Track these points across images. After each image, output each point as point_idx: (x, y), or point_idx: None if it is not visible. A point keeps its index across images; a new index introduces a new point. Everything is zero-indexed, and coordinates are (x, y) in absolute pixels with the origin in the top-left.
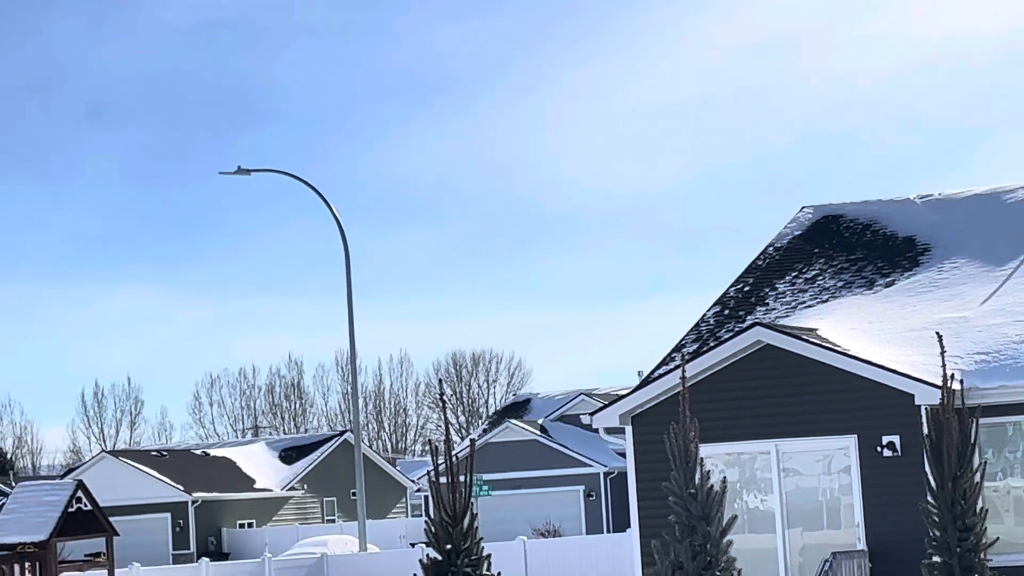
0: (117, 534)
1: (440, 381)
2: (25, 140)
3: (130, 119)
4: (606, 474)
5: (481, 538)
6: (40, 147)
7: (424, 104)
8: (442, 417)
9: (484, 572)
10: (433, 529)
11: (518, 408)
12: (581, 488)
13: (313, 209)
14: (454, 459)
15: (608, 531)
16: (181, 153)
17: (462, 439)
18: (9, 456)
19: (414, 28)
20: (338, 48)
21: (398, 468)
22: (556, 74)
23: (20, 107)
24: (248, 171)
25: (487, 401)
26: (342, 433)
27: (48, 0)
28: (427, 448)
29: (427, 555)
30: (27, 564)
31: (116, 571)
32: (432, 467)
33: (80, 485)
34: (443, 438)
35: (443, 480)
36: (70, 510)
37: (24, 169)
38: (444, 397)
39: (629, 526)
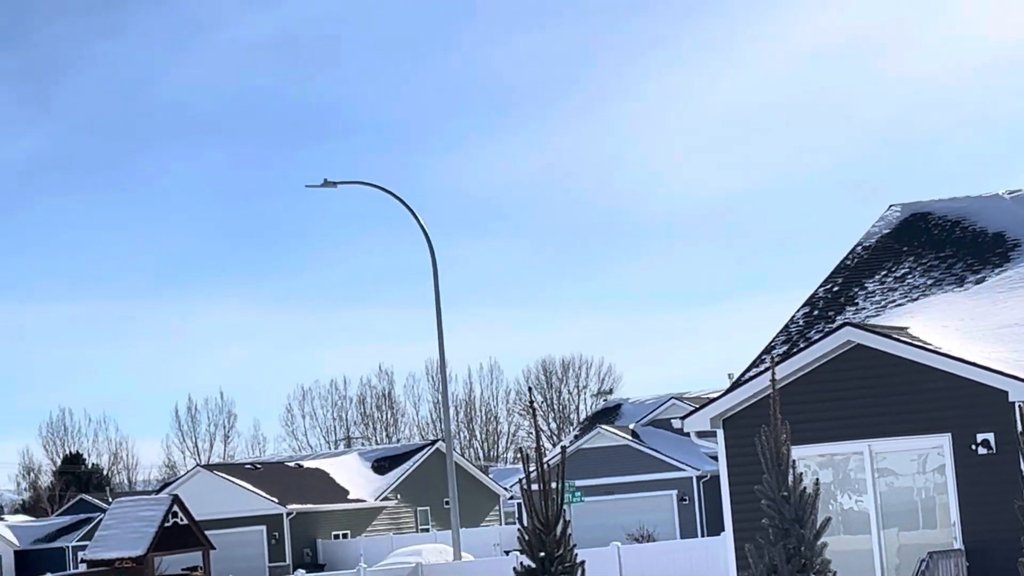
0: (213, 547)
1: (530, 388)
2: (114, 160)
3: (215, 136)
4: (699, 478)
5: (574, 545)
6: (128, 166)
7: (506, 113)
8: (533, 424)
9: None
10: (526, 537)
11: (608, 414)
12: (674, 492)
13: (399, 220)
14: (546, 466)
15: (702, 535)
16: (267, 168)
17: (553, 446)
18: (105, 472)
19: (494, 38)
20: (418, 59)
21: (491, 476)
22: (637, 80)
23: (108, 128)
24: (334, 183)
25: (577, 407)
26: (434, 442)
27: (130, 23)
28: (519, 455)
29: (520, 563)
30: None
31: None
32: (524, 475)
33: (176, 500)
34: (534, 445)
35: (535, 487)
36: (167, 525)
37: (114, 189)
38: (534, 404)
39: (723, 529)
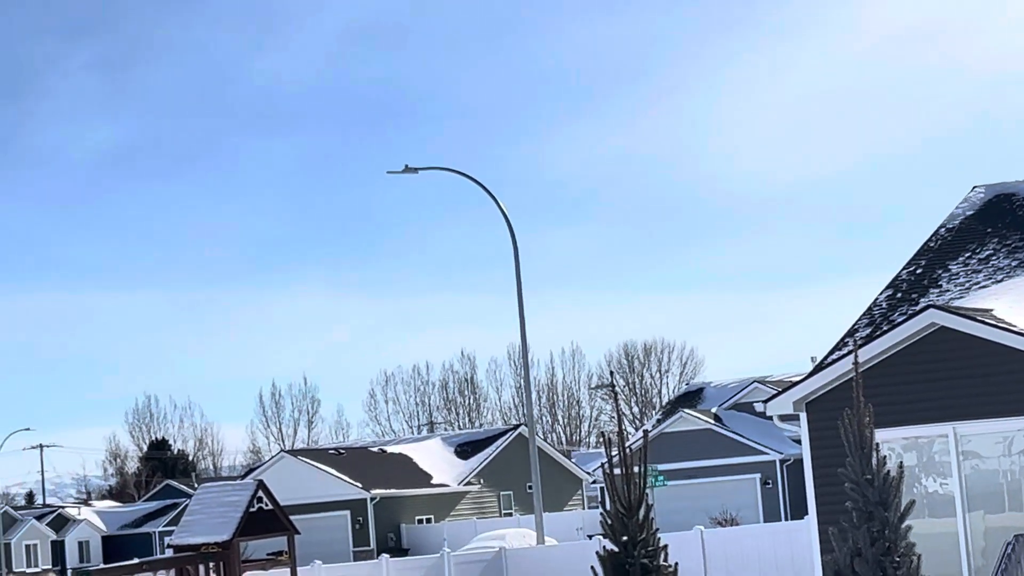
0: (298, 532)
1: (611, 373)
2: (197, 148)
3: (298, 123)
4: (782, 461)
5: (657, 528)
6: (212, 154)
7: (586, 99)
8: (615, 408)
9: (661, 563)
10: (609, 521)
11: (691, 397)
12: (757, 476)
13: (480, 206)
14: (628, 450)
15: (785, 519)
16: (349, 154)
17: (636, 430)
18: (191, 458)
19: (573, 25)
20: (504, 44)
21: (573, 460)
22: (716, 65)
23: (192, 116)
24: (415, 169)
25: (660, 391)
26: (516, 427)
27: (217, 11)
28: (601, 440)
29: (603, 547)
30: (211, 564)
31: (298, 569)
32: (606, 459)
33: (260, 485)
34: (616, 430)
35: (617, 472)
36: (251, 510)
37: (200, 175)
38: (616, 388)
39: (807, 513)
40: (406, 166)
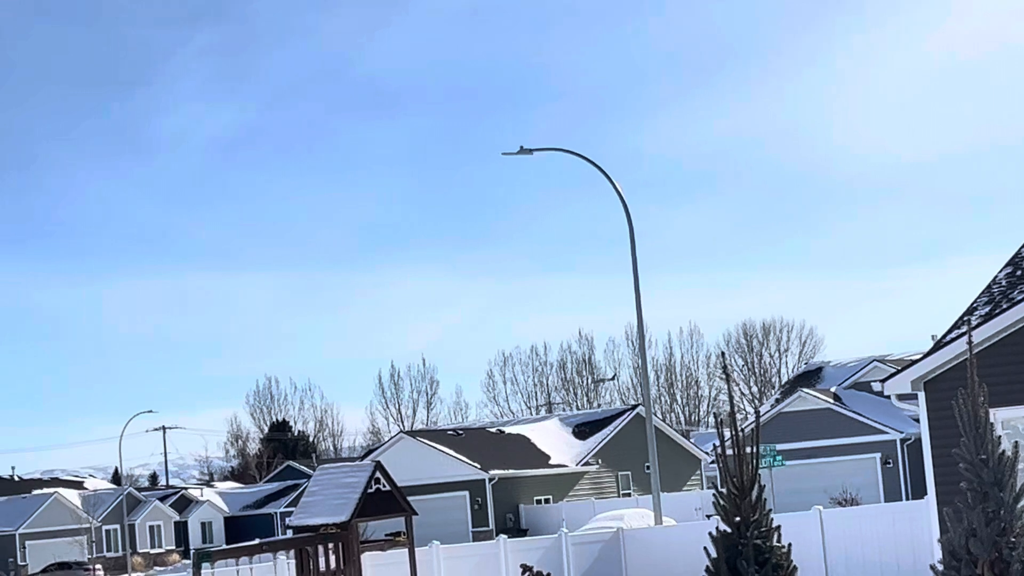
0: (416, 513)
1: (723, 353)
2: (313, 132)
3: (411, 106)
4: (903, 440)
5: (770, 509)
6: (326, 138)
7: (702, 77)
8: (727, 389)
9: (774, 543)
10: (721, 502)
11: (810, 377)
12: (877, 455)
13: (596, 186)
14: (741, 431)
15: (906, 498)
16: (463, 136)
17: (755, 409)
18: (311, 439)
19: (689, 5)
20: (614, 24)
21: (692, 440)
22: (835, 42)
23: (307, 101)
24: (530, 150)
25: (779, 370)
26: (634, 407)
27: None
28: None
29: (716, 527)
30: (330, 545)
31: (416, 549)
32: (719, 440)
33: (378, 466)
34: (730, 411)
35: (730, 452)
36: (369, 491)
37: (316, 159)
38: (728, 369)
39: (927, 493)
40: (521, 147)
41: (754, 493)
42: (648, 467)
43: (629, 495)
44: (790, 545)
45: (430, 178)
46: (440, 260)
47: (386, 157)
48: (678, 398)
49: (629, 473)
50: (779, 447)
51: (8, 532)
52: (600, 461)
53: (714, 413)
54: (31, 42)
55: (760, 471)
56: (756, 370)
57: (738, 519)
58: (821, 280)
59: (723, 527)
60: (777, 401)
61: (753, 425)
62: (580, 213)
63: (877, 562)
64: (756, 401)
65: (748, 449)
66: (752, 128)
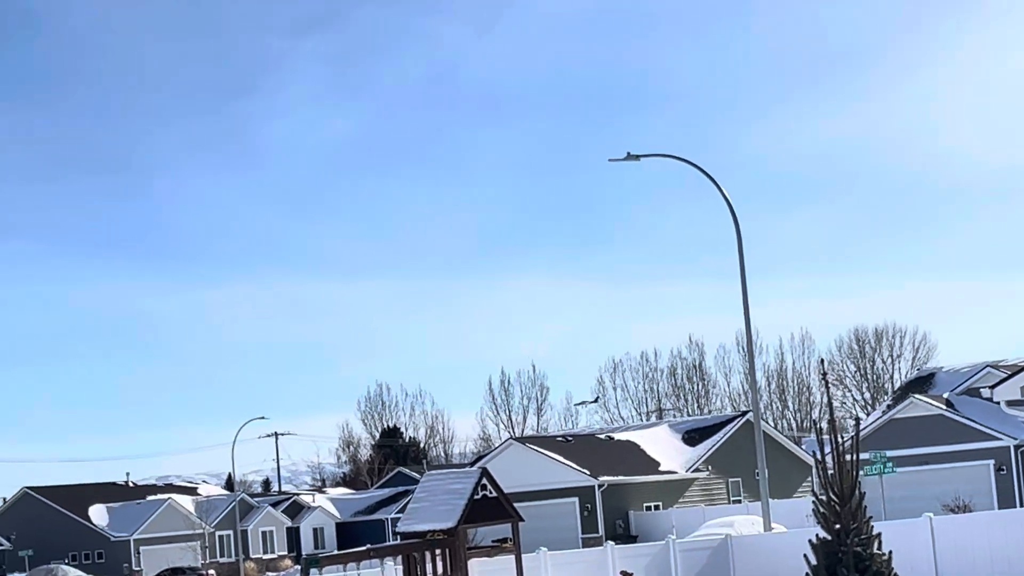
0: (522, 519)
1: (822, 361)
2: (425, 139)
3: (521, 112)
4: (1016, 447)
5: (870, 517)
6: (440, 144)
7: (810, 82)
8: (830, 397)
9: (874, 551)
10: (821, 509)
11: (922, 383)
12: (991, 462)
13: (704, 191)
14: (841, 439)
15: (1020, 505)
16: (571, 142)
17: (867, 415)
18: (422, 445)
19: (796, 7)
20: (719, 28)
21: (803, 446)
22: (946, 44)
23: (419, 107)
24: (637, 157)
25: (892, 376)
26: (744, 414)
27: (441, 4)
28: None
29: (816, 535)
30: (437, 551)
31: (523, 556)
32: (818, 448)
33: (485, 472)
34: (830, 418)
35: (832, 460)
36: (476, 497)
37: (428, 166)
38: (827, 377)
39: None
40: (628, 153)
41: (854, 500)
42: (758, 473)
43: (739, 502)
44: (891, 552)
45: (540, 184)
46: (550, 266)
47: (496, 163)
48: (789, 404)
49: (739, 479)
50: (890, 454)
51: (123, 537)
52: (710, 467)
53: (813, 421)
54: (146, 50)
55: (870, 477)
56: (869, 376)
57: (838, 526)
58: (934, 285)
59: (822, 534)
60: (888, 407)
61: (866, 431)
62: (689, 219)
63: (989, 570)
64: (869, 407)
65: (848, 457)
66: (867, 130)
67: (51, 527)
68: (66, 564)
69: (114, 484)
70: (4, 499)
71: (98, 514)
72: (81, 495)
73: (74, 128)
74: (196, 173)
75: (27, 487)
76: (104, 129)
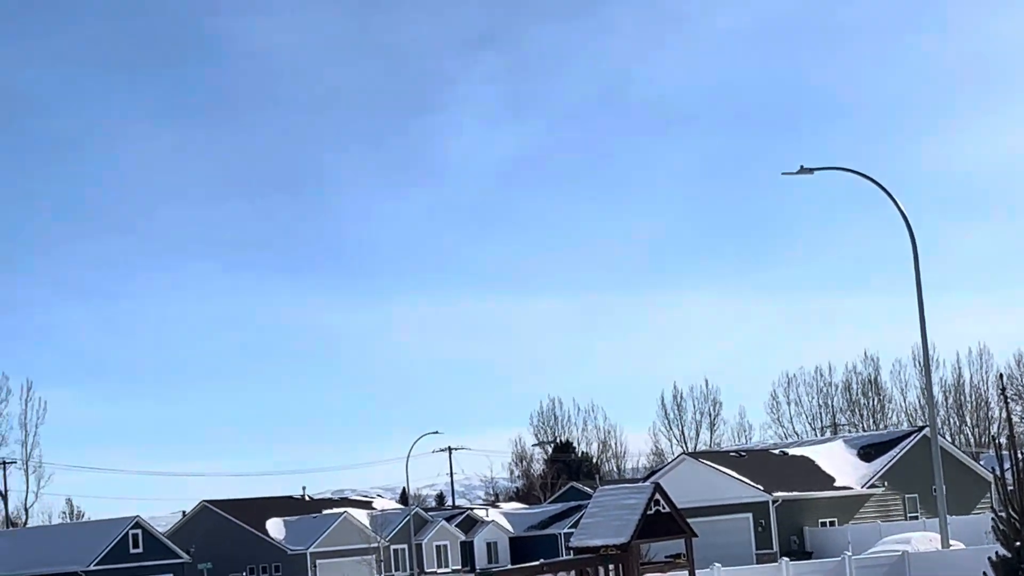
0: (695, 535)
1: (1001, 376)
2: (596, 154)
3: (691, 127)
4: None
5: None
6: (608, 161)
7: (989, 93)
8: (1009, 412)
9: None
10: (1001, 526)
11: None
12: None
13: (878, 205)
14: (1023, 455)
15: None
16: (743, 157)
17: None
18: (595, 460)
19: (975, 19)
20: (897, 42)
21: (981, 462)
22: None
23: (591, 123)
24: (811, 170)
25: None
26: (921, 429)
27: (611, 21)
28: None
29: (996, 552)
30: (610, 566)
31: (697, 572)
32: (997, 464)
33: (657, 488)
34: (1009, 434)
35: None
36: (649, 512)
37: (598, 181)
38: (1006, 393)
39: None
40: (801, 167)
41: None
42: (935, 489)
43: (916, 518)
44: None
45: (711, 199)
46: (722, 281)
47: (667, 179)
48: (967, 419)
49: (916, 495)
50: None
51: (300, 551)
52: (886, 483)
53: (992, 437)
54: (326, 71)
55: None
56: None
57: (1018, 543)
58: None
59: (1003, 551)
60: None
61: None
62: (863, 232)
63: None
64: None
65: None
66: None
67: (229, 540)
68: None
69: (291, 498)
70: (184, 512)
71: (275, 528)
72: (259, 509)
73: (260, 149)
74: (377, 190)
75: (206, 500)
76: (289, 149)
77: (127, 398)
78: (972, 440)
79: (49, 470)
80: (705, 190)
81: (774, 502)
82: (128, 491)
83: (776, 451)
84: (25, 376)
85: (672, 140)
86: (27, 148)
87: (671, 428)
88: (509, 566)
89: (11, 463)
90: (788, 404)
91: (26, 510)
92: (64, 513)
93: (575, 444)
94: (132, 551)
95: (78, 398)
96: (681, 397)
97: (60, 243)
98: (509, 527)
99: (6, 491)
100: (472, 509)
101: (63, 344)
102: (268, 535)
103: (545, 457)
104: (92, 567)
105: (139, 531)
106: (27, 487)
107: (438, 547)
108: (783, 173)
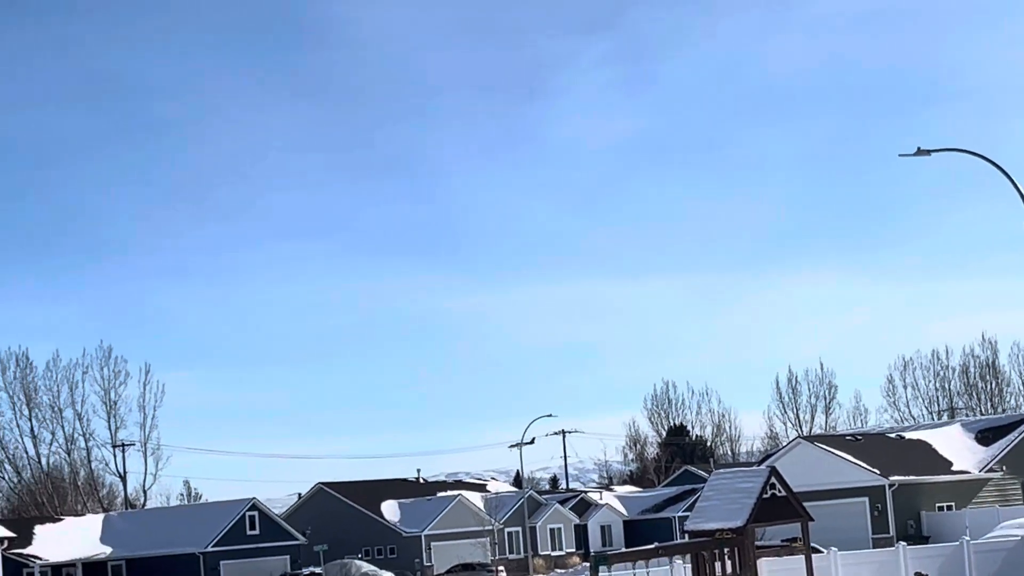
0: (811, 519)
1: None
2: (711, 137)
3: (806, 109)
4: None
5: None
6: (721, 142)
7: None
8: None
9: None
10: None
11: None
12: None
13: (996, 186)
14: None
15: None
16: (858, 139)
17: None
18: (709, 443)
19: None
20: (1012, 23)
21: None
22: None
23: (705, 106)
24: (928, 152)
25: None
26: None
27: (719, 2)
28: None
29: None
30: (726, 550)
31: (813, 556)
32: None
33: (773, 471)
34: None
35: None
36: (764, 496)
37: (712, 164)
38: None
39: None
40: (918, 148)
41: None
42: None
43: None
44: None
45: (827, 181)
46: (838, 263)
47: (782, 160)
48: None
49: None
50: None
51: (415, 533)
52: (1004, 468)
53: None
54: (439, 55)
55: None
56: None
57: None
58: None
59: None
60: None
61: None
62: (980, 215)
63: None
64: None
65: None
66: None
67: (344, 522)
68: (359, 559)
69: (405, 480)
70: (300, 495)
71: (390, 510)
72: (373, 491)
73: (372, 132)
74: (489, 174)
75: (322, 483)
76: (402, 133)
77: (243, 381)
78: None
79: (167, 452)
80: (819, 172)
81: (891, 486)
82: (244, 473)
83: (892, 435)
84: (143, 359)
85: (787, 121)
86: (140, 133)
87: (786, 411)
88: (624, 549)
89: (130, 445)
90: (904, 387)
91: (144, 492)
92: (182, 495)
93: (689, 427)
94: (249, 533)
95: (195, 381)
96: (796, 380)
97: (176, 227)
98: (623, 510)
99: (125, 473)
100: (586, 492)
101: (180, 328)
102: (383, 517)
103: (659, 440)
104: (209, 548)
105: (255, 513)
106: (145, 469)
107: (552, 530)
108: (900, 155)
